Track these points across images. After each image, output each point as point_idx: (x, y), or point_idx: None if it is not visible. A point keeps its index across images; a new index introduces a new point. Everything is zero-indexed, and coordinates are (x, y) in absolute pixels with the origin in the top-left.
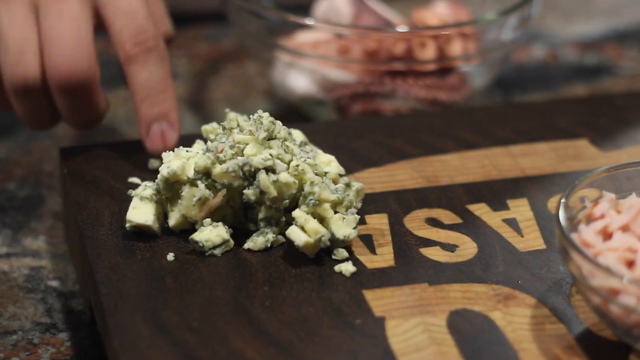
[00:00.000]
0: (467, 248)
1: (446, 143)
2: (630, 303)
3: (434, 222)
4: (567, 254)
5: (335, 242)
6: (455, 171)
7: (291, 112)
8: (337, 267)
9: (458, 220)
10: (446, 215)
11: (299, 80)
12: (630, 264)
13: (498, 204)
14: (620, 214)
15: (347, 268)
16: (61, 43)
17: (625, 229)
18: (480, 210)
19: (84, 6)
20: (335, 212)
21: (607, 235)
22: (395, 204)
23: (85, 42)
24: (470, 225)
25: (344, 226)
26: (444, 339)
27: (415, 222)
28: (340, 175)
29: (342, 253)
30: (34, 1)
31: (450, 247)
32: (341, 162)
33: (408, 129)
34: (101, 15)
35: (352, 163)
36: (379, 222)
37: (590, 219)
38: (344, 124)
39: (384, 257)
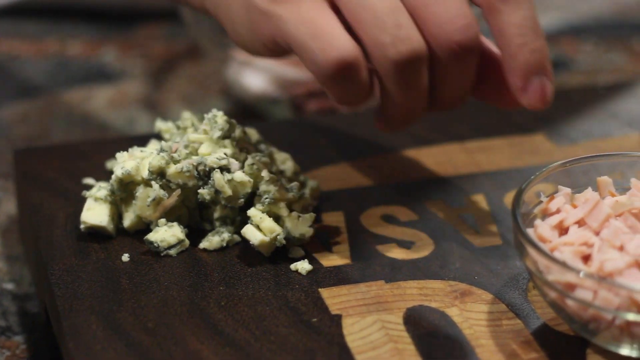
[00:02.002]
0: (424, 245)
1: (402, 140)
2: (586, 297)
3: (390, 219)
4: (523, 249)
5: (291, 241)
6: (412, 168)
7: (247, 110)
8: (293, 266)
9: (414, 217)
10: (402, 212)
11: (254, 79)
12: (586, 258)
13: (454, 200)
14: (576, 208)
15: (303, 266)
16: (441, 3)
17: (581, 223)
18: (437, 206)
19: None
20: (291, 211)
21: (563, 229)
22: (351, 201)
23: None
24: (427, 222)
25: (299, 224)
26: (400, 336)
27: (372, 220)
28: (296, 174)
29: (298, 251)
30: None
31: (406, 244)
32: (297, 160)
33: (364, 127)
34: None
35: (308, 161)
36: (335, 220)
37: (546, 214)
38: (300, 123)
39: (340, 255)
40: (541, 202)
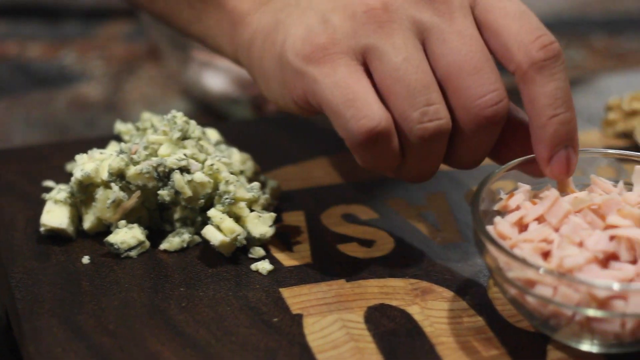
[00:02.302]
0: (385, 243)
1: None
2: (546, 294)
3: (350, 218)
4: (483, 246)
5: (251, 241)
6: None
7: (208, 111)
8: (253, 266)
9: (375, 215)
10: (363, 211)
11: (214, 80)
12: (545, 254)
13: (415, 198)
14: (535, 205)
15: (264, 266)
16: (471, 70)
17: (541, 220)
18: (397, 204)
19: (470, 19)
20: (251, 211)
21: (522, 226)
22: (312, 201)
23: (492, 62)
24: (388, 220)
25: (260, 224)
26: (361, 335)
27: (332, 219)
28: (256, 174)
29: (258, 251)
30: (416, 25)
31: (367, 243)
32: (257, 160)
33: (324, 126)
34: (483, 21)
35: (268, 161)
36: (295, 219)
37: (505, 211)
38: (260, 122)
39: (300, 255)
40: (501, 199)
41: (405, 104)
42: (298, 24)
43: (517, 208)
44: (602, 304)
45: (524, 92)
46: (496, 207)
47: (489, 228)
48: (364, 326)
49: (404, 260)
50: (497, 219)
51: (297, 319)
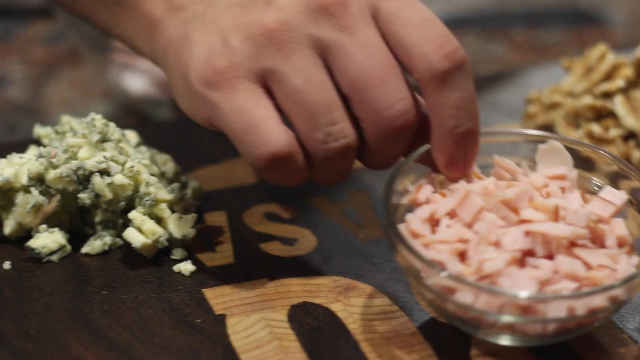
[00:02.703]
0: (307, 241)
1: None
2: (467, 300)
3: (273, 217)
4: (399, 253)
5: (173, 242)
6: None
7: (129, 113)
8: (176, 267)
9: (297, 213)
10: (285, 209)
11: (134, 81)
12: (462, 254)
13: (337, 195)
14: (445, 197)
15: (186, 267)
16: (376, 82)
17: (452, 214)
18: (319, 202)
19: (372, 29)
20: (173, 212)
21: (434, 221)
22: (233, 200)
23: (398, 70)
24: (310, 218)
25: (181, 225)
26: (285, 333)
27: (254, 218)
28: (177, 175)
29: (180, 252)
30: (316, 43)
31: (289, 241)
32: (178, 161)
33: None
34: (386, 32)
35: (189, 161)
36: (217, 219)
37: (415, 204)
38: (181, 123)
39: (223, 255)
40: (409, 191)
41: (308, 125)
42: (201, 43)
43: (427, 201)
44: (524, 310)
45: (427, 101)
46: (405, 201)
47: (401, 227)
48: (287, 325)
49: (327, 258)
50: (409, 216)
51: (221, 319)
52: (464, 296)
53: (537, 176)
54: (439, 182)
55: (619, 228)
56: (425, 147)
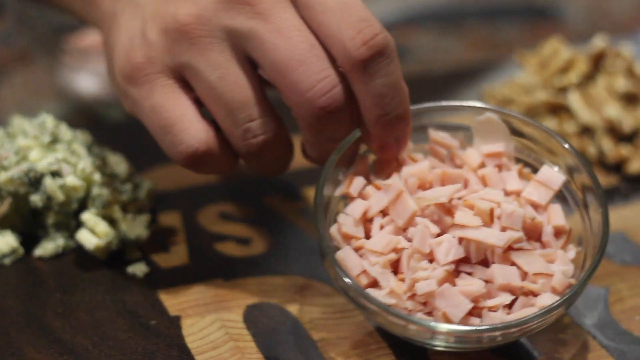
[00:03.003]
0: (262, 241)
1: None
2: (398, 330)
3: (227, 217)
4: (336, 276)
5: (127, 243)
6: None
7: (82, 114)
8: (130, 269)
9: (251, 213)
10: (239, 209)
11: (87, 82)
12: (396, 264)
13: (292, 195)
14: (379, 190)
15: (140, 269)
16: (295, 65)
17: (385, 211)
18: (274, 201)
19: (290, 11)
20: (126, 213)
21: (367, 220)
22: (187, 200)
23: (319, 49)
24: (265, 217)
25: (135, 226)
26: (240, 334)
27: (209, 218)
28: (130, 175)
29: (134, 254)
30: (232, 34)
31: (244, 241)
32: (131, 161)
33: None
34: (305, 18)
35: (142, 162)
36: (171, 220)
37: (349, 196)
38: (134, 124)
39: (177, 256)
40: (341, 182)
41: (227, 121)
42: (125, 30)
43: (361, 196)
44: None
45: (353, 89)
46: (337, 193)
47: (333, 229)
48: (243, 325)
49: (282, 257)
50: (341, 218)
51: (175, 321)
52: (395, 325)
53: (473, 154)
54: (373, 167)
55: (555, 216)
56: (357, 134)
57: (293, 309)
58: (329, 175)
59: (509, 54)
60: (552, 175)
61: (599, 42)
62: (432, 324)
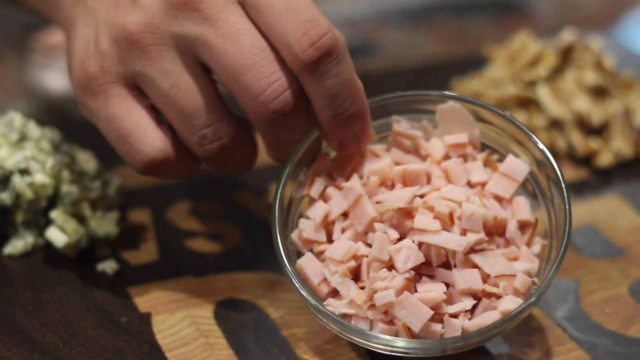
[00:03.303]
0: (232, 237)
1: None
2: (358, 338)
3: (197, 213)
4: (295, 288)
5: (96, 241)
6: None
7: (50, 111)
8: (100, 266)
9: (222, 209)
10: (210, 205)
11: (55, 80)
12: (356, 272)
13: (262, 191)
14: (340, 191)
15: (110, 266)
16: (244, 69)
17: (346, 215)
18: (245, 198)
19: (239, 14)
20: (95, 210)
21: (329, 223)
22: (157, 197)
23: (268, 52)
24: (235, 214)
25: (104, 224)
26: (211, 330)
27: (179, 214)
28: (99, 172)
29: (104, 251)
30: (182, 41)
31: (214, 237)
32: (100, 158)
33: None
34: (253, 20)
35: (111, 159)
36: (141, 217)
37: (310, 197)
38: None
39: (147, 252)
40: (302, 181)
41: (183, 128)
42: (81, 38)
43: (323, 197)
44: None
45: (305, 91)
46: (299, 195)
47: (294, 235)
48: (213, 321)
49: (252, 253)
50: (302, 223)
51: (146, 318)
52: (354, 339)
53: (436, 144)
54: (336, 163)
55: (520, 210)
56: (315, 132)
57: (264, 304)
58: (289, 176)
59: (478, 49)
60: (517, 165)
61: (567, 35)
62: (390, 338)
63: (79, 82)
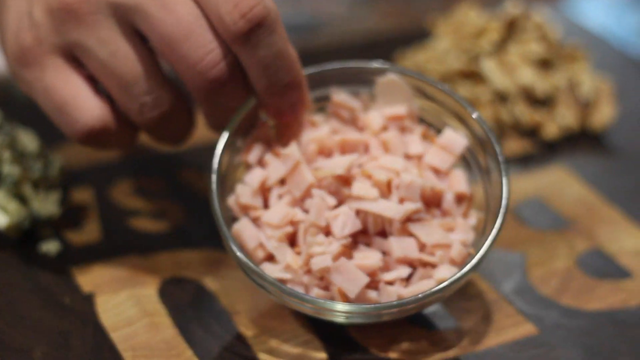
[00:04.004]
0: (176, 215)
1: None
2: (296, 306)
3: (141, 192)
4: (231, 251)
5: (39, 221)
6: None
7: None
8: (42, 247)
9: (165, 187)
10: (153, 184)
11: None
12: (293, 237)
13: (206, 168)
14: (278, 157)
15: (53, 246)
16: (181, 38)
17: (283, 181)
18: (188, 175)
19: None
20: (37, 190)
21: (266, 190)
22: (100, 176)
23: (205, 21)
24: (179, 192)
25: (47, 204)
26: (155, 309)
27: (122, 193)
28: (41, 152)
29: (47, 232)
30: (118, 9)
31: (158, 216)
32: (43, 138)
33: None
34: None
35: (53, 138)
36: (84, 196)
37: (247, 163)
38: None
39: (90, 232)
40: (239, 148)
41: (122, 96)
42: (14, 10)
43: (260, 163)
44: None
45: (239, 61)
46: (236, 161)
47: (230, 200)
48: (158, 300)
49: (196, 231)
50: (239, 188)
51: (90, 298)
52: (290, 303)
53: (375, 117)
54: (275, 131)
55: (457, 182)
56: (252, 100)
57: (208, 282)
58: (227, 143)
59: (422, 22)
60: (455, 139)
61: (512, 7)
62: (327, 303)
63: (13, 55)
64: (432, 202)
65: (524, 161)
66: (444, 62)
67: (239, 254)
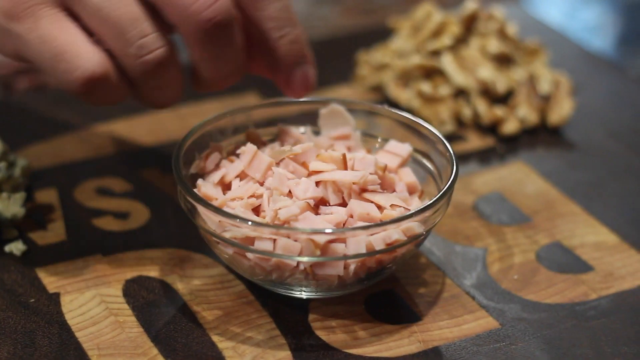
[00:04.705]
0: (140, 214)
1: (113, 111)
2: (267, 248)
3: (104, 192)
4: (194, 210)
5: (3, 222)
6: (125, 138)
7: None
8: (7, 247)
9: (129, 187)
10: (117, 184)
11: None
12: (257, 210)
13: (170, 168)
14: (234, 162)
15: (18, 247)
16: None
17: (242, 176)
18: (152, 174)
19: None
20: (1, 191)
21: (226, 185)
22: (64, 177)
23: None
24: (142, 191)
25: (11, 205)
26: (120, 308)
27: (86, 194)
28: (5, 153)
29: (11, 232)
30: None
31: (122, 215)
32: (6, 139)
33: (74, 101)
34: None
35: (17, 139)
36: (48, 197)
37: (204, 172)
38: (8, 101)
39: (55, 233)
40: (199, 158)
41: (119, 42)
42: None
43: (217, 167)
44: (323, 249)
45: (250, 18)
46: (192, 170)
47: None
48: (122, 300)
49: (161, 230)
50: (200, 181)
51: (55, 298)
52: (264, 244)
53: (322, 139)
54: (227, 151)
55: (407, 176)
56: (217, 114)
57: (173, 281)
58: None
59: (383, 20)
60: (399, 146)
61: (470, 4)
62: (307, 229)
63: (3, 10)
64: (386, 186)
65: (485, 156)
66: (405, 59)
67: (192, 195)
